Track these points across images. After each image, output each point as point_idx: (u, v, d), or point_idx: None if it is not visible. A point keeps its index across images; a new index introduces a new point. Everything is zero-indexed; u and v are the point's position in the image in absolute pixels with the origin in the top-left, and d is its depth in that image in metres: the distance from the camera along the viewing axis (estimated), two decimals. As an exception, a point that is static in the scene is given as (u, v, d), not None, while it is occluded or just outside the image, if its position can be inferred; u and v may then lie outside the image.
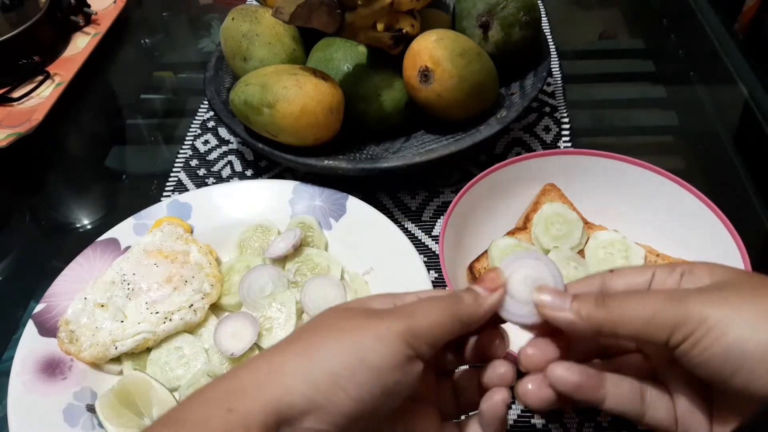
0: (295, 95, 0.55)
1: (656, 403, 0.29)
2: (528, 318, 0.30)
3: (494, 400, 0.30)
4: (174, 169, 0.68)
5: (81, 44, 0.84)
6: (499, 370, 0.31)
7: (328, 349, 0.26)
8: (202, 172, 0.68)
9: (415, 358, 0.27)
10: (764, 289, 0.26)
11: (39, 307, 0.51)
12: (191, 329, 0.50)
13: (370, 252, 0.54)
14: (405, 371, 0.27)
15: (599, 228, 0.52)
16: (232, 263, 0.55)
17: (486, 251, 0.51)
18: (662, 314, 0.26)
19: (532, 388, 0.30)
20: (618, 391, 0.29)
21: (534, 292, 0.30)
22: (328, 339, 0.27)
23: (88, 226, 0.65)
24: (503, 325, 0.33)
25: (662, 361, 0.30)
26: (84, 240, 0.55)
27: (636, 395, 0.29)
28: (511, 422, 0.46)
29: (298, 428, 0.25)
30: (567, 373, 0.29)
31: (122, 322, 0.49)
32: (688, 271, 0.29)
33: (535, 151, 0.66)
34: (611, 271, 0.31)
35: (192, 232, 0.57)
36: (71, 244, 0.57)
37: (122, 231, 0.56)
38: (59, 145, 0.75)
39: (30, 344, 0.48)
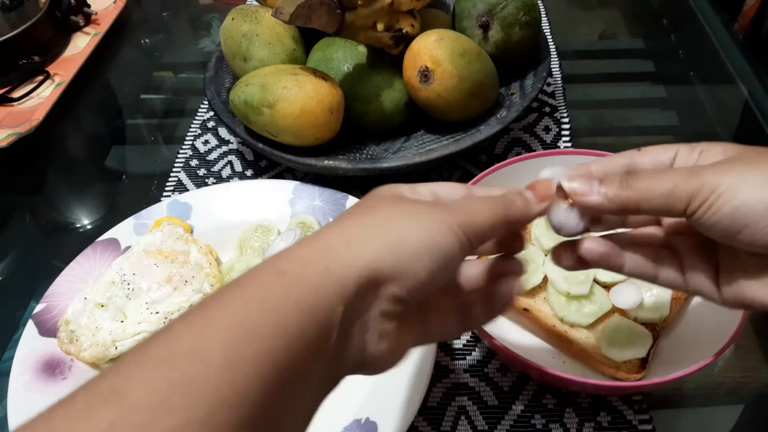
0: (295, 95, 0.55)
1: (667, 267, 0.35)
2: (572, 225, 0.34)
3: (510, 283, 0.34)
4: (174, 169, 0.68)
5: (81, 44, 0.84)
6: (514, 261, 0.35)
7: (407, 228, 0.29)
8: (202, 172, 0.68)
9: (468, 248, 0.30)
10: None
11: (39, 307, 0.51)
12: (191, 329, 0.50)
13: (370, 252, 0.54)
14: (459, 257, 0.30)
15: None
16: (232, 263, 0.55)
17: (486, 251, 0.51)
18: (681, 188, 0.30)
19: (564, 253, 0.36)
20: (635, 258, 0.35)
21: (565, 181, 0.33)
22: (403, 219, 0.30)
23: (88, 226, 0.65)
24: None
25: (674, 231, 0.36)
26: (84, 240, 0.55)
27: (650, 261, 0.35)
28: (511, 422, 0.46)
29: (383, 292, 0.28)
30: (595, 245, 0.35)
31: (122, 322, 0.49)
32: (706, 150, 0.33)
33: (535, 151, 0.66)
34: (639, 149, 0.35)
35: (192, 232, 0.57)
36: (71, 244, 0.57)
37: (122, 231, 0.56)
38: (59, 145, 0.75)
39: (30, 344, 0.48)
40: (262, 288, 0.26)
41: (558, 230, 0.34)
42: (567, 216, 0.33)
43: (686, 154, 0.33)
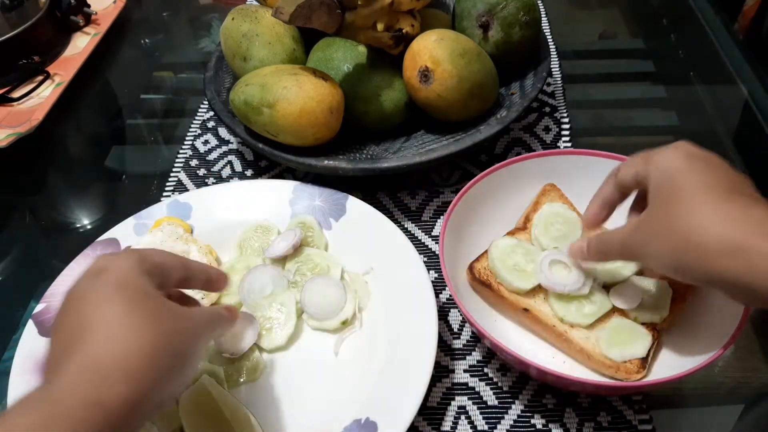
0: (295, 95, 0.55)
1: None
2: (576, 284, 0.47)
3: None
4: (174, 169, 0.68)
5: (81, 44, 0.84)
6: None
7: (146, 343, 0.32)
8: (202, 172, 0.68)
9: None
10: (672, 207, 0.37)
11: (39, 307, 0.51)
12: (191, 329, 0.50)
13: (370, 252, 0.54)
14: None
15: (599, 228, 0.52)
16: (232, 263, 0.55)
17: (486, 251, 0.51)
18: (623, 254, 0.42)
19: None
20: None
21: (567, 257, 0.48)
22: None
23: (88, 226, 0.65)
24: None
25: None
26: (84, 240, 0.55)
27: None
28: (511, 422, 0.46)
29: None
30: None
31: (122, 322, 0.49)
32: (651, 178, 0.40)
33: (535, 151, 0.66)
34: (615, 172, 0.44)
35: (192, 232, 0.57)
36: (71, 244, 0.57)
37: (122, 231, 0.56)
38: (59, 145, 0.75)
39: (30, 344, 0.48)
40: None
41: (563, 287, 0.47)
42: (570, 276, 0.48)
43: (644, 173, 0.40)
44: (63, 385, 0.29)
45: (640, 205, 0.43)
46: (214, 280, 0.41)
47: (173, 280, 0.37)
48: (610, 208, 0.45)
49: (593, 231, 0.48)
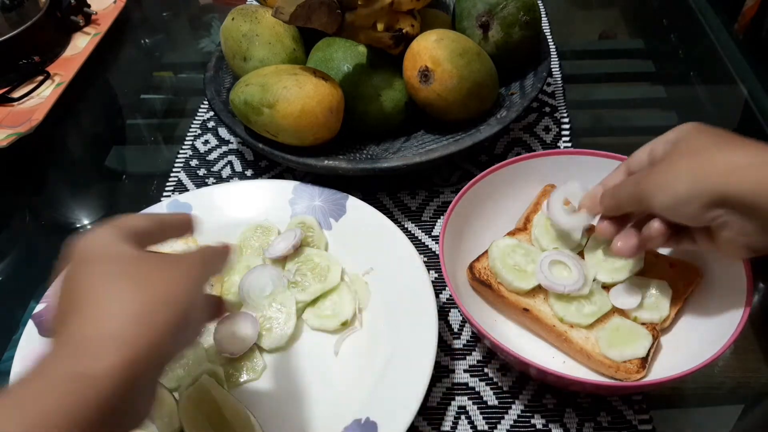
0: (295, 95, 0.55)
1: (682, 238, 0.43)
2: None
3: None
4: (174, 169, 0.68)
5: (81, 44, 0.84)
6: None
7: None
8: (202, 172, 0.68)
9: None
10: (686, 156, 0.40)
11: (39, 307, 0.51)
12: (191, 329, 0.50)
13: (370, 252, 0.54)
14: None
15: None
16: (231, 263, 0.55)
17: (486, 251, 0.51)
18: (634, 194, 0.42)
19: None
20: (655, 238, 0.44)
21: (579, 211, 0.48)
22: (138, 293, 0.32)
23: (88, 226, 0.65)
24: None
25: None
26: (84, 240, 0.55)
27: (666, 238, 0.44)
28: (511, 422, 0.46)
29: (146, 374, 0.31)
30: (623, 243, 0.45)
31: (122, 322, 0.49)
32: (665, 141, 0.43)
33: (535, 151, 0.66)
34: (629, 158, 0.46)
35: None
36: (71, 244, 0.57)
37: (122, 231, 0.56)
38: (59, 145, 0.75)
39: (30, 344, 0.48)
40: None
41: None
42: (570, 277, 0.48)
43: (659, 147, 0.43)
44: (48, 361, 0.29)
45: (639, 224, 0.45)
46: (187, 222, 0.41)
47: (152, 239, 0.38)
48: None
49: (598, 232, 0.48)
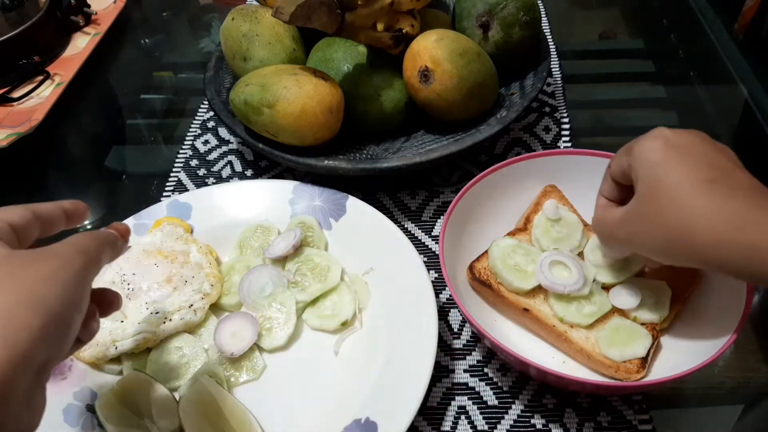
0: (295, 95, 0.55)
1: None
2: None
3: None
4: (174, 169, 0.68)
5: (81, 44, 0.84)
6: None
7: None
8: (202, 172, 0.68)
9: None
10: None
11: (39, 307, 0.51)
12: (191, 329, 0.50)
13: (370, 252, 0.54)
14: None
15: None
16: (232, 263, 0.55)
17: (486, 251, 0.51)
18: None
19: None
20: None
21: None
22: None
23: (88, 226, 0.65)
24: None
25: None
26: (84, 240, 0.55)
27: None
28: (511, 422, 0.46)
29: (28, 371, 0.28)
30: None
31: (122, 322, 0.49)
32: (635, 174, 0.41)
33: (535, 151, 0.66)
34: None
35: (192, 232, 0.57)
36: (71, 244, 0.57)
37: (122, 231, 0.56)
38: (59, 145, 0.75)
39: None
40: None
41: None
42: (570, 277, 0.48)
43: (639, 171, 0.40)
44: None
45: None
46: (71, 210, 0.39)
47: (29, 233, 0.35)
48: (619, 202, 0.44)
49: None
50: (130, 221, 0.57)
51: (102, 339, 0.48)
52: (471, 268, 0.50)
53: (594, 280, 0.48)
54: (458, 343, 0.51)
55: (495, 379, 0.49)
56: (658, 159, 0.38)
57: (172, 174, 0.68)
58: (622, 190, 0.44)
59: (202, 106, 0.76)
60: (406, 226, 0.60)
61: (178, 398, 0.45)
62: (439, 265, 0.47)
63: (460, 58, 0.57)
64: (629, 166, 0.41)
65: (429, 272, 0.52)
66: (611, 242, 0.44)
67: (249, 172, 0.67)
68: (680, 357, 0.44)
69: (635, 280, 0.48)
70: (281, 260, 0.54)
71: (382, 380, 0.46)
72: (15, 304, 0.28)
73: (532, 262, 0.49)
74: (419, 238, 0.59)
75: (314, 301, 0.52)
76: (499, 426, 0.46)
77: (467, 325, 0.52)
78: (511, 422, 0.46)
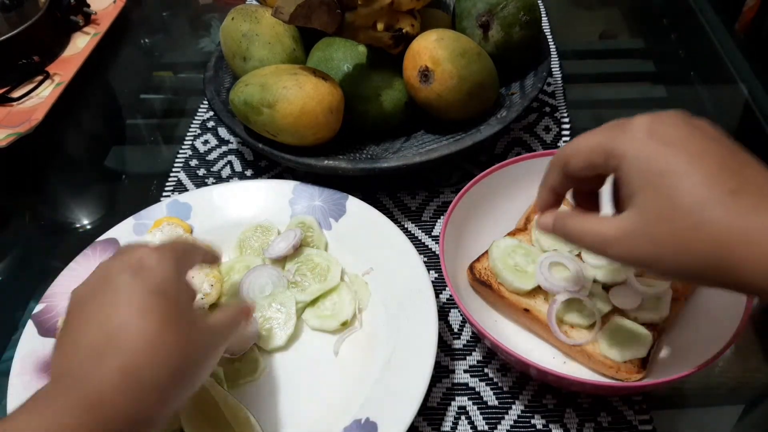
0: (295, 95, 0.55)
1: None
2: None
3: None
4: (174, 169, 0.68)
5: (81, 44, 0.84)
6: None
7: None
8: (201, 172, 0.68)
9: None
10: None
11: (39, 307, 0.51)
12: (191, 329, 0.50)
13: (370, 252, 0.54)
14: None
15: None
16: (232, 263, 0.55)
17: (486, 251, 0.51)
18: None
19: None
20: None
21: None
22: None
23: (88, 226, 0.65)
24: None
25: None
26: (84, 240, 0.55)
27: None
28: (511, 422, 0.46)
29: None
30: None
31: (122, 322, 0.49)
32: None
33: (535, 151, 0.66)
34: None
35: (192, 232, 0.57)
36: (71, 244, 0.57)
37: (122, 231, 0.56)
38: (59, 145, 0.75)
39: (30, 344, 0.48)
40: None
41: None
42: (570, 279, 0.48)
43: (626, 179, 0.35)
44: (100, 389, 0.29)
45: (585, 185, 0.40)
46: (212, 254, 0.45)
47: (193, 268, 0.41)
48: (560, 196, 0.41)
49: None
50: (129, 221, 0.57)
51: (102, 339, 0.48)
52: (471, 268, 0.50)
53: (594, 280, 0.48)
54: (458, 344, 0.51)
55: (495, 380, 0.49)
56: (662, 167, 0.33)
57: (171, 174, 0.67)
58: (572, 185, 0.40)
59: (201, 106, 0.76)
60: (406, 226, 0.60)
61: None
62: (439, 265, 0.47)
63: (460, 58, 0.57)
64: (615, 168, 0.36)
65: (429, 272, 0.52)
66: (604, 257, 0.36)
67: (249, 172, 0.67)
68: (681, 357, 0.44)
69: (635, 280, 0.48)
70: (281, 260, 0.54)
71: (382, 380, 0.46)
72: (181, 363, 0.33)
73: (533, 262, 0.49)
74: (419, 238, 0.59)
75: (314, 302, 0.52)
76: (499, 426, 0.46)
77: (467, 325, 0.52)
78: (512, 422, 0.46)
